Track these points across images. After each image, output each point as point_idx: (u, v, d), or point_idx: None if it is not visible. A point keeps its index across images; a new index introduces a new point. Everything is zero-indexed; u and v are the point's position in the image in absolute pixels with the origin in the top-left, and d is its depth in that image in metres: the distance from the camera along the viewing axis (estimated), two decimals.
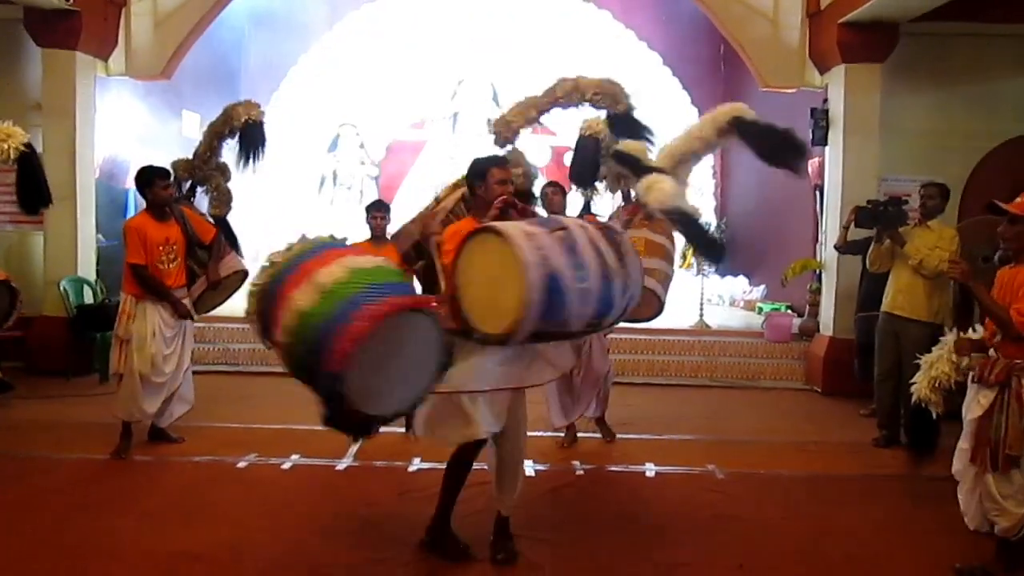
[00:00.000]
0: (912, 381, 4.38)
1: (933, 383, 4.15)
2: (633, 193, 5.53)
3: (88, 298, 8.05)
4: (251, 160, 5.90)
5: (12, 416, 6.35)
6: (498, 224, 3.31)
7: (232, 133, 5.85)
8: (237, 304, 7.43)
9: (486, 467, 3.99)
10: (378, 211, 5.77)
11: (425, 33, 11.55)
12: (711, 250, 4.54)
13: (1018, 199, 3.68)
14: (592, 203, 5.88)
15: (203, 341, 8.23)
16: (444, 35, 11.56)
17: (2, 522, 4.20)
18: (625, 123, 5.30)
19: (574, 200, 5.81)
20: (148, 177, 5.38)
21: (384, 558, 3.86)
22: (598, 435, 5.92)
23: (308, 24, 11.22)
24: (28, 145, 5.03)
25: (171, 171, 5.57)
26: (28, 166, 5.05)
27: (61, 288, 7.80)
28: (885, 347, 5.89)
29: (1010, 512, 3.59)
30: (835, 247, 6.86)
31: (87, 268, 8.16)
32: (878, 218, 5.88)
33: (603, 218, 5.62)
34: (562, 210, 5.46)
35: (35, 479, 4.88)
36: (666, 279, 5.22)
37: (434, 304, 3.28)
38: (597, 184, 5.75)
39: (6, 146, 4.88)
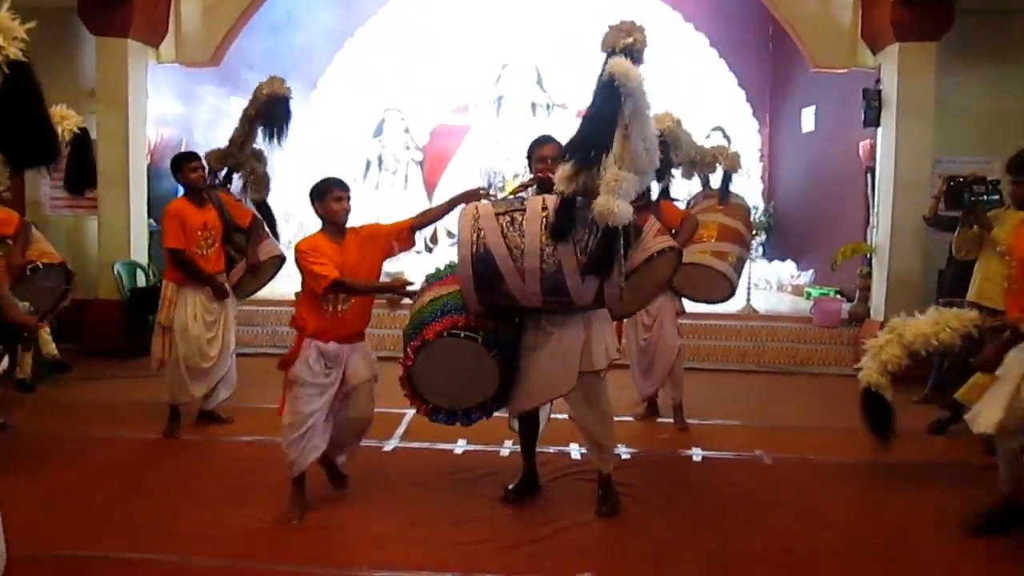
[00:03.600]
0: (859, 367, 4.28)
1: (883, 367, 3.98)
2: (710, 179, 5.60)
3: (141, 281, 8.23)
4: (274, 136, 5.77)
5: (69, 396, 6.52)
6: (468, 207, 3.84)
7: (260, 113, 5.75)
8: (285, 287, 7.58)
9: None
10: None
11: (469, 17, 11.53)
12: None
13: None
14: (670, 189, 5.86)
15: (252, 324, 8.37)
16: (488, 19, 11.53)
17: (61, 501, 4.32)
18: None
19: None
20: (177, 163, 5.45)
21: (432, 536, 3.91)
22: (630, 420, 5.98)
23: (354, 9, 11.27)
24: (82, 128, 5.13)
25: (198, 154, 5.54)
26: (80, 148, 5.14)
27: (115, 271, 7.98)
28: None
29: None
30: (924, 218, 6.41)
31: (140, 252, 8.33)
32: (961, 199, 5.42)
33: (680, 203, 5.76)
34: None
35: (91, 458, 5.01)
36: (739, 262, 5.40)
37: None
38: (672, 171, 5.70)
39: (61, 128, 4.96)
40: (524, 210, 3.71)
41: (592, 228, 3.56)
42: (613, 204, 3.41)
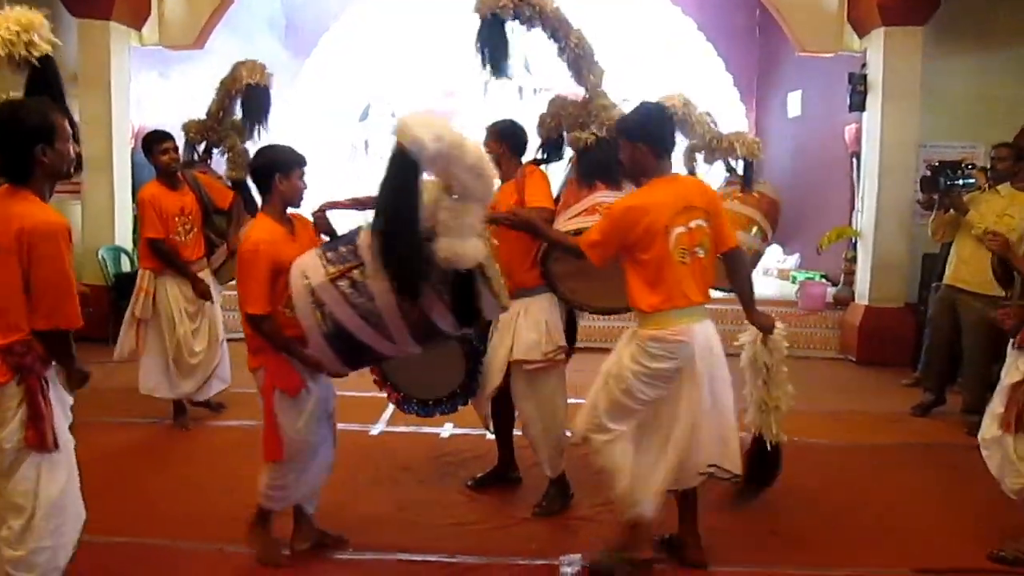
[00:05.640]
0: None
1: None
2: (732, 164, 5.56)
3: (125, 267, 8.17)
4: (254, 126, 5.61)
5: None
6: (294, 269, 3.20)
7: (238, 94, 5.57)
8: None
9: None
10: None
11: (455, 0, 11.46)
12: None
13: None
14: (695, 173, 5.85)
15: (234, 309, 8.29)
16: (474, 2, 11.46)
17: None
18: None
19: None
20: (146, 144, 5.14)
21: (419, 520, 3.93)
22: None
23: None
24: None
25: (171, 134, 5.23)
26: None
27: (99, 257, 7.92)
28: (940, 320, 5.71)
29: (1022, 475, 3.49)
30: (918, 202, 6.71)
31: (124, 237, 8.27)
32: (937, 183, 5.51)
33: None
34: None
35: (78, 442, 4.94)
36: (752, 252, 5.04)
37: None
38: (695, 155, 5.69)
39: None
40: (362, 264, 3.12)
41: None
42: (457, 247, 2.98)
